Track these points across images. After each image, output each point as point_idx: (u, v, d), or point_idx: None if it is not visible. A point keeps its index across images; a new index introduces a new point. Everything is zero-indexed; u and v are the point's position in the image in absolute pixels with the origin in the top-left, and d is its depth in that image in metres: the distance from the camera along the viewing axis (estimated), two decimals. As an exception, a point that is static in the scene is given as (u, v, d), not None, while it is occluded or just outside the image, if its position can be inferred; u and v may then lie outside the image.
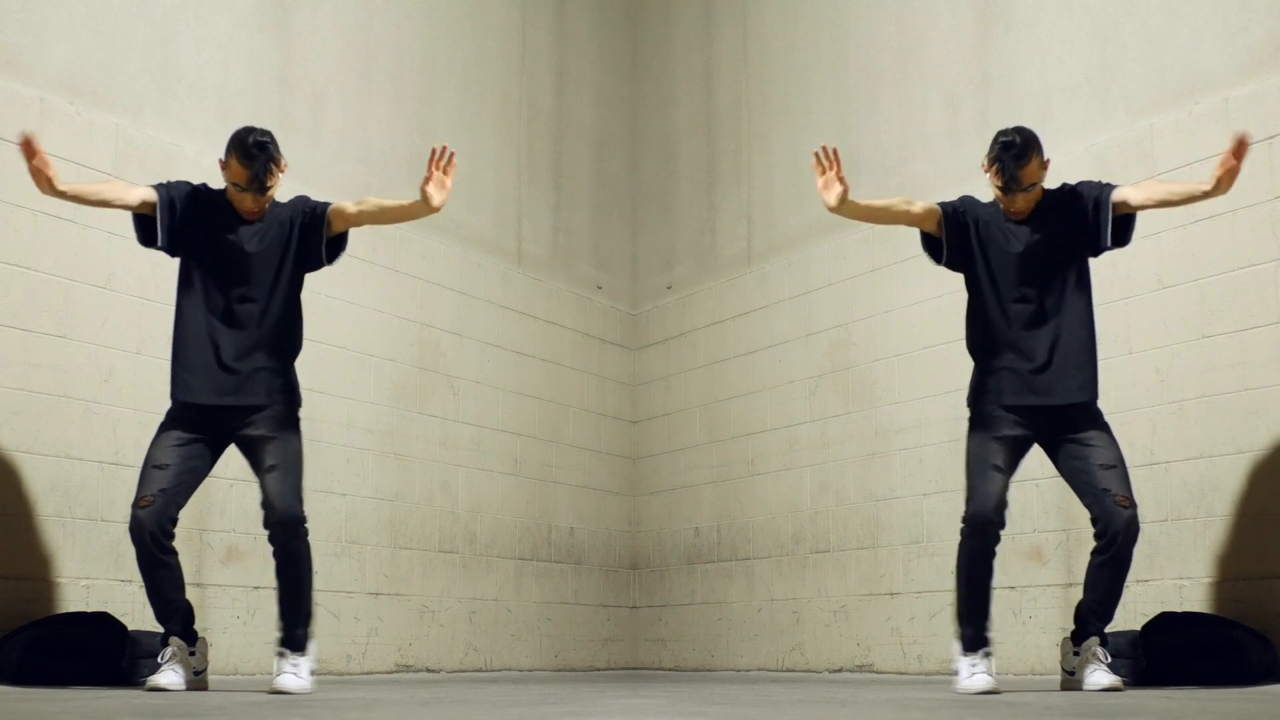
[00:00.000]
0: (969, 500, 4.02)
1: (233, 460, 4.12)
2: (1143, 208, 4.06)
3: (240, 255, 3.99)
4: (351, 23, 6.44)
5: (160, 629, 4.00)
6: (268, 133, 3.98)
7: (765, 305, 7.17)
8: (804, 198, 7.02)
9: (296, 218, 4.05)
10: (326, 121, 6.21)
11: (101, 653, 4.26)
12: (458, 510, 6.66)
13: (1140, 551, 5.09)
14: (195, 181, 4.12)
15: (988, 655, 3.97)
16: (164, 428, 3.98)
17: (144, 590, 3.94)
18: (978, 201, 4.20)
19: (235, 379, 3.96)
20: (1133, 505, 3.94)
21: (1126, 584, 5.07)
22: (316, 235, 4.05)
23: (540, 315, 7.36)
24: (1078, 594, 4.17)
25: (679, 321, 7.75)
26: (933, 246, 4.21)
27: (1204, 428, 4.94)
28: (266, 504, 3.92)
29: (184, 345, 3.98)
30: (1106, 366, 5.29)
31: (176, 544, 3.91)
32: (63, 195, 3.89)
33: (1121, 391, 5.18)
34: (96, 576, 4.86)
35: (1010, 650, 5.44)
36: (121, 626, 4.42)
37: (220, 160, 4.01)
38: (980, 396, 4.11)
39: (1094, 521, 4.00)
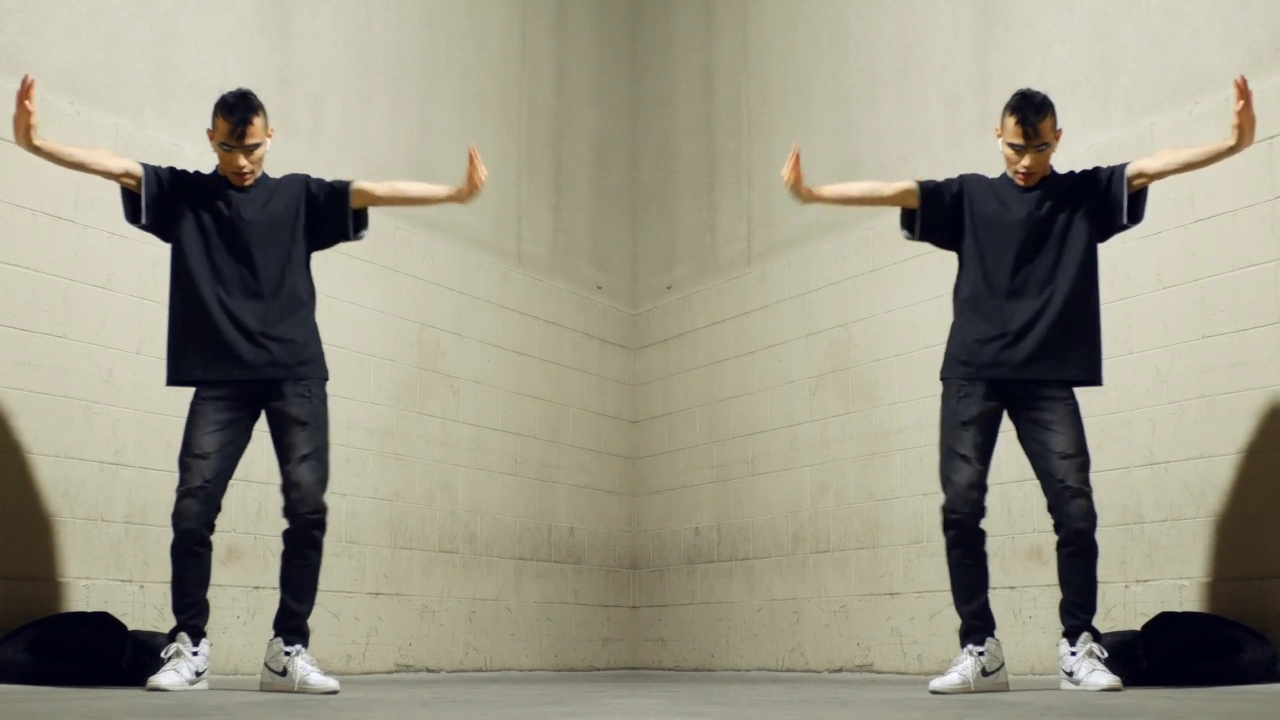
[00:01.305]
0: (943, 489, 4.06)
1: (233, 460, 4.12)
2: (1163, 174, 4.08)
3: (239, 224, 4.02)
4: (351, 23, 6.44)
5: (165, 627, 4.01)
6: (248, 90, 4.06)
7: (765, 305, 7.17)
8: (804, 198, 7.01)
9: (313, 190, 4.11)
10: (326, 122, 6.21)
11: (101, 653, 4.26)
12: (458, 510, 6.65)
13: (1140, 551, 5.11)
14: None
15: (975, 653, 3.97)
16: (197, 408, 3.99)
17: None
18: (980, 176, 4.21)
19: (261, 350, 3.98)
20: (1086, 492, 3.95)
21: (1126, 584, 5.11)
22: (339, 211, 4.11)
23: (540, 315, 7.35)
24: (1078, 594, 4.17)
25: (679, 321, 7.75)
26: (910, 223, 4.23)
27: (1204, 428, 4.94)
28: (296, 493, 3.98)
29: (196, 321, 3.99)
30: (1106, 366, 5.29)
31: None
32: (37, 151, 3.90)
33: (1121, 391, 5.17)
34: (96, 576, 4.86)
35: (1010, 650, 5.43)
36: (121, 626, 4.42)
37: (208, 130, 4.07)
38: (949, 367, 4.13)
39: (1049, 510, 4.02)
